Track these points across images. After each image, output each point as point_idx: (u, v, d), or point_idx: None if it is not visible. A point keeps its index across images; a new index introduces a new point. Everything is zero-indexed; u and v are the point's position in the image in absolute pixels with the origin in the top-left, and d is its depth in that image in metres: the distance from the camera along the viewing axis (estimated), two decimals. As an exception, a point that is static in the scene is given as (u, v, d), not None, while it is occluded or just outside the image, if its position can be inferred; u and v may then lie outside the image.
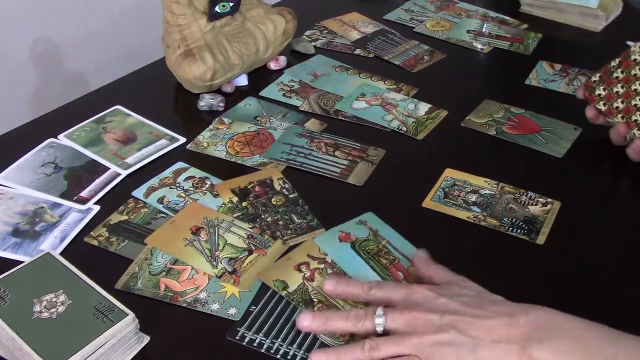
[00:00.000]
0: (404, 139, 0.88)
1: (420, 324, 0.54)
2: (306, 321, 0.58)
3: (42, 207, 0.75)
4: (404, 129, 0.89)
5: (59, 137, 0.85)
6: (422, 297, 0.57)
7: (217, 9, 0.90)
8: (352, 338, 0.60)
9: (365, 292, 0.59)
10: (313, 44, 1.08)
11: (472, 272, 0.67)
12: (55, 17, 1.17)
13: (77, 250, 0.69)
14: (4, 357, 0.57)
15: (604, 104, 0.83)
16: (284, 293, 0.64)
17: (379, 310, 0.56)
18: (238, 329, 0.61)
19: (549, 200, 0.76)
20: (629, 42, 1.04)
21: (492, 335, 0.53)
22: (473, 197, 0.77)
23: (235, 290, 0.65)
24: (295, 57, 1.05)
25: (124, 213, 0.74)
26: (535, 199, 0.77)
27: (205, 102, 0.92)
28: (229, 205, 0.75)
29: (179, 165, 0.82)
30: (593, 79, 0.85)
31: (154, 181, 0.79)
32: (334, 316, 0.58)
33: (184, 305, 0.63)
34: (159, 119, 0.89)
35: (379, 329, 0.56)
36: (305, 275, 0.66)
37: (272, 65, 1.02)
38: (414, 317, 0.55)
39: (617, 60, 0.83)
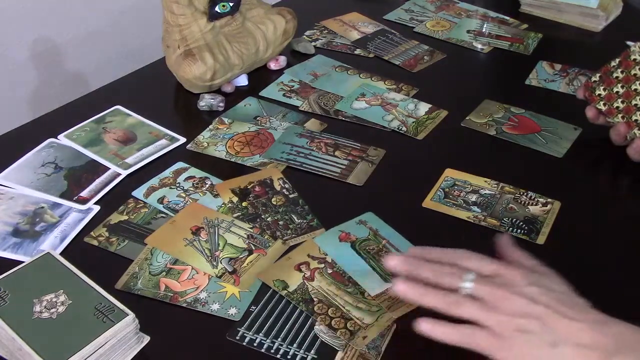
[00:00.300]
0: (404, 139, 0.88)
1: (506, 304, 0.54)
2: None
3: (42, 207, 0.75)
4: (404, 129, 0.89)
5: (59, 137, 0.85)
6: (511, 278, 0.56)
7: (217, 9, 0.90)
8: (352, 337, 0.60)
9: (453, 261, 0.58)
10: (313, 44, 1.08)
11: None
12: (55, 17, 1.17)
13: (77, 250, 0.69)
14: (4, 357, 0.57)
15: (604, 104, 0.83)
16: (284, 293, 0.64)
17: (470, 275, 0.56)
18: (238, 329, 0.61)
19: (549, 200, 0.76)
20: (628, 42, 1.04)
21: (575, 337, 0.52)
22: (473, 197, 0.77)
23: (235, 290, 0.65)
24: (295, 57, 1.05)
25: (124, 213, 0.74)
26: (535, 199, 0.77)
27: (205, 102, 0.92)
28: (229, 205, 0.75)
29: (179, 165, 0.82)
30: (593, 79, 0.85)
31: (154, 181, 0.79)
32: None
33: (184, 305, 0.63)
34: (159, 119, 0.89)
35: (464, 292, 0.55)
36: (306, 275, 0.66)
37: (272, 65, 1.02)
38: (502, 295, 0.54)
39: (617, 60, 0.83)
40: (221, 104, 0.92)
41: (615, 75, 0.83)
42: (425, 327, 0.55)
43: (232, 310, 0.63)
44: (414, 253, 0.61)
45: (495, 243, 0.63)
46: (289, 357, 0.59)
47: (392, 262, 0.59)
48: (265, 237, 0.71)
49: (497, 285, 0.55)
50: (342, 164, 0.82)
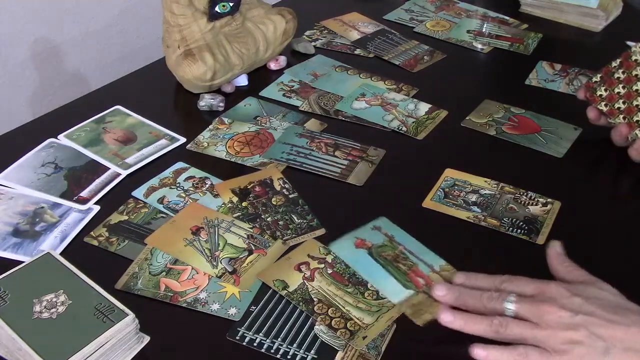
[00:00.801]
0: (404, 139, 0.88)
1: (551, 319, 0.54)
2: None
3: (42, 207, 0.75)
4: (404, 129, 0.89)
5: (59, 137, 0.85)
6: (555, 292, 0.56)
7: (217, 9, 0.90)
8: (352, 337, 0.60)
9: (496, 286, 0.59)
10: (313, 44, 1.08)
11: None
12: (55, 17, 1.17)
13: (77, 250, 0.69)
14: (4, 357, 0.57)
15: (606, 105, 0.83)
16: (284, 293, 0.64)
17: (511, 297, 0.57)
18: (238, 329, 0.61)
19: (549, 200, 0.76)
20: (629, 42, 1.04)
21: (625, 342, 0.52)
22: (473, 197, 0.77)
23: (235, 290, 0.65)
24: (295, 57, 1.05)
25: (124, 213, 0.74)
26: (535, 199, 0.77)
27: (205, 102, 0.92)
28: (229, 205, 0.75)
29: (179, 165, 0.82)
30: (594, 79, 0.85)
31: (154, 181, 0.79)
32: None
33: (184, 305, 0.63)
34: (159, 119, 0.89)
35: (508, 313, 0.56)
36: (306, 275, 0.66)
37: (272, 65, 1.02)
38: (545, 310, 0.55)
39: (618, 60, 0.83)
40: (221, 104, 0.92)
41: (616, 76, 0.83)
42: (480, 353, 0.55)
43: (232, 310, 0.63)
44: (459, 281, 0.62)
45: (547, 254, 0.64)
46: (289, 357, 0.59)
47: (440, 292, 0.60)
48: (265, 237, 0.71)
49: (539, 302, 0.56)
50: (342, 164, 0.82)
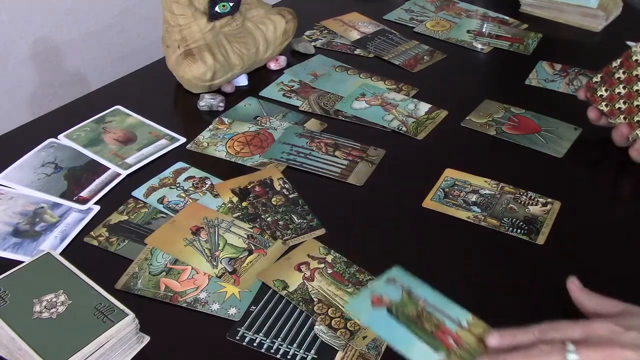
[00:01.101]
0: (404, 139, 0.88)
1: None
2: None
3: (42, 207, 0.75)
4: (404, 129, 0.89)
5: (59, 137, 0.85)
6: (607, 331, 0.54)
7: (217, 9, 0.90)
8: (352, 337, 0.60)
9: (537, 337, 0.55)
10: (313, 44, 1.08)
11: (472, 272, 0.67)
12: (55, 17, 1.17)
13: (77, 250, 0.69)
14: (4, 357, 0.57)
15: (606, 105, 0.83)
16: (284, 293, 0.64)
17: (570, 346, 0.53)
18: (238, 329, 0.61)
19: (549, 200, 0.76)
20: (629, 43, 1.04)
21: None
22: (473, 197, 0.77)
23: (235, 290, 0.65)
24: (295, 57, 1.05)
25: (124, 213, 0.74)
26: (535, 199, 0.77)
27: (205, 102, 0.92)
28: (229, 205, 0.75)
29: (179, 165, 0.82)
30: (594, 79, 0.85)
31: (154, 181, 0.79)
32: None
33: (184, 305, 0.63)
34: (159, 119, 0.89)
35: None
36: (306, 275, 0.66)
37: (272, 65, 1.02)
38: (610, 354, 0.52)
39: (619, 61, 0.83)
40: (221, 104, 0.92)
41: (617, 76, 0.83)
42: None
43: (232, 310, 0.63)
44: (494, 343, 0.57)
45: (569, 290, 0.61)
46: (289, 357, 0.59)
47: None
48: (265, 237, 0.71)
49: (599, 346, 0.53)
50: (342, 164, 0.82)
